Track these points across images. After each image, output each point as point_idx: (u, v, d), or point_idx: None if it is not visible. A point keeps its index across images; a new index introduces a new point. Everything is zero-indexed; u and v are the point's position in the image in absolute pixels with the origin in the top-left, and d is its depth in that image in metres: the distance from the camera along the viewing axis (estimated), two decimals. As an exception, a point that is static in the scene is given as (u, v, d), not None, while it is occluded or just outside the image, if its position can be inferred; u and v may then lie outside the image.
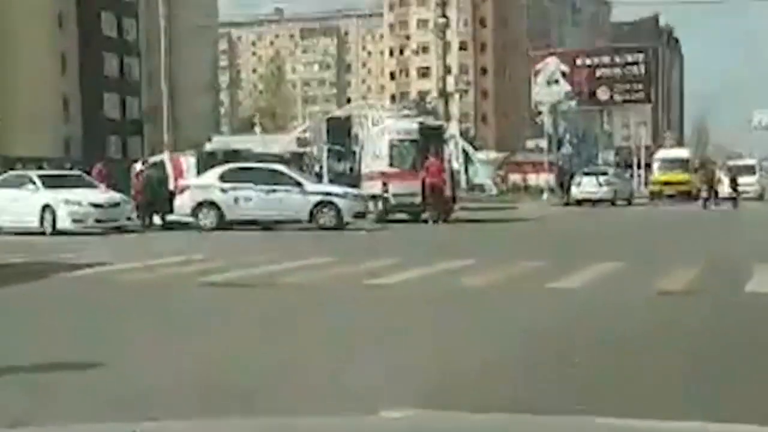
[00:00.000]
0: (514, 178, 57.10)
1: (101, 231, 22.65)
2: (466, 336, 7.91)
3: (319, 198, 23.54)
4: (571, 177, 42.66)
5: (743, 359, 6.82)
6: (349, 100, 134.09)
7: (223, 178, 23.94)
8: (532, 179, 52.79)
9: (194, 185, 24.34)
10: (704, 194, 37.97)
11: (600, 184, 41.09)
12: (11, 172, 26.46)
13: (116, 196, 23.88)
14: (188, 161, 26.71)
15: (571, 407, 5.38)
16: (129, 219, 23.53)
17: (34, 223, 22.54)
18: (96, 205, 22.88)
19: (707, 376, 6.27)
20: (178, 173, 25.86)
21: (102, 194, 23.81)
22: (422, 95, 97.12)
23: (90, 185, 24.68)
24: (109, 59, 75.60)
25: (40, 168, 31.78)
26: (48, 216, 22.43)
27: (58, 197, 22.66)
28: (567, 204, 40.42)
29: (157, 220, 25.15)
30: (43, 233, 22.07)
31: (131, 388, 6.03)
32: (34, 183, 23.55)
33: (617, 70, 59.72)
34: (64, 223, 22.37)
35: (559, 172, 43.91)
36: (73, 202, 22.62)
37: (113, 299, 10.85)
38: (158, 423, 2.36)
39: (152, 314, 9.62)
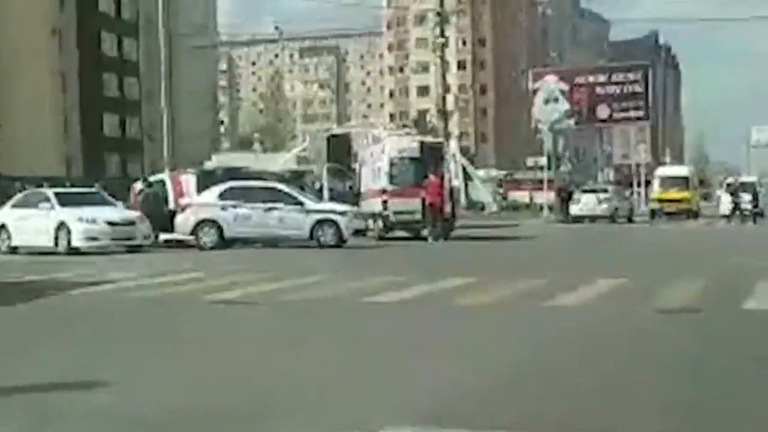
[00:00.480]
0: (514, 195, 57.17)
1: (116, 249, 22.38)
2: (463, 355, 7.90)
3: (319, 216, 23.58)
4: (570, 195, 42.74)
5: (742, 377, 6.81)
6: (348, 119, 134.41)
7: (223, 196, 23.98)
8: (532, 197, 52.84)
9: (195, 203, 24.36)
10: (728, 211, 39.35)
11: (600, 202, 41.15)
12: (28, 191, 26.05)
13: (132, 214, 23.45)
14: (188, 179, 26.72)
15: (565, 427, 5.38)
16: (146, 237, 23.07)
17: (48, 242, 22.29)
18: (111, 223, 22.48)
19: (705, 395, 6.26)
20: (179, 192, 25.89)
21: (118, 212, 23.45)
22: (422, 114, 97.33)
23: (107, 203, 24.34)
24: (110, 79, 75.87)
25: (39, 186, 31.70)
26: (63, 234, 22.11)
27: (73, 215, 22.35)
28: (566, 221, 40.47)
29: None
30: (56, 252, 21.83)
31: (133, 409, 6.02)
32: (50, 201, 23.16)
33: (616, 88, 59.76)
34: (78, 241, 22.06)
35: (558, 189, 43.96)
36: (88, 220, 22.28)
37: (117, 318, 10.84)
38: None
39: (155, 333, 9.61)
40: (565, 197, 42.59)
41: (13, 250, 23.35)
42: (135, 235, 22.75)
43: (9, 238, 23.45)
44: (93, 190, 27.48)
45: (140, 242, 22.78)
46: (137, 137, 78.30)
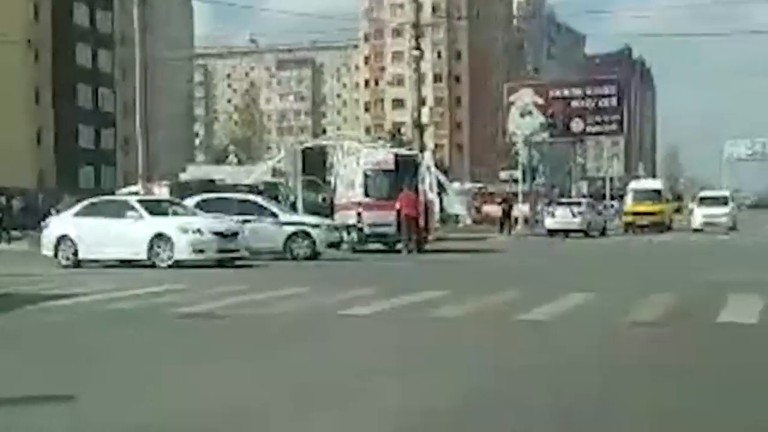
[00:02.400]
0: (488, 208, 57.24)
1: (218, 263, 20.94)
2: (437, 369, 7.88)
3: (293, 228, 23.54)
4: (511, 207, 43.10)
5: (724, 386, 6.84)
6: (324, 131, 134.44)
7: (197, 208, 23.87)
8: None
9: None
10: None
11: (573, 215, 41.29)
12: (95, 199, 23.82)
13: (234, 224, 21.96)
14: (162, 192, 26.63)
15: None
16: (247, 249, 21.92)
17: (138, 254, 20.72)
18: (218, 234, 21.13)
19: (680, 407, 6.28)
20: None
21: (220, 222, 21.84)
22: (397, 126, 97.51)
23: (189, 212, 22.77)
24: (84, 90, 75.59)
25: (11, 198, 31.44)
26: (162, 246, 20.57)
27: (173, 225, 20.98)
28: (507, 234, 40.72)
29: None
30: (152, 265, 20.35)
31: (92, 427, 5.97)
32: (136, 210, 21.49)
33: (591, 102, 60.08)
34: (183, 254, 20.48)
35: (501, 200, 44.18)
36: (194, 231, 20.89)
37: (86, 331, 10.75)
38: None
39: (123, 346, 9.53)
40: (506, 209, 42.65)
41: (78, 263, 21.49)
42: (239, 247, 21.66)
43: (74, 249, 21.65)
44: (171, 198, 25.62)
45: (243, 254, 21.62)
46: (111, 149, 78.00)
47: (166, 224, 21.04)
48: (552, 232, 40.82)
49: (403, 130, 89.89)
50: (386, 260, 24.59)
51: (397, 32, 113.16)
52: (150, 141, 44.49)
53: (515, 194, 46.08)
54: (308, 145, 40.26)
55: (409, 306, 12.23)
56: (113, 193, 31.90)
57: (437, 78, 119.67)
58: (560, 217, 41.59)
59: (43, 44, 70.84)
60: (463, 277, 18.60)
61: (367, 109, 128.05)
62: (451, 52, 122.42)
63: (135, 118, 42.66)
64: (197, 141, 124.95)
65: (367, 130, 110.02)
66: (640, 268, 21.42)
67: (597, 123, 60.40)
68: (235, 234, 21.51)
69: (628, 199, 48.27)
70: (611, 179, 67.54)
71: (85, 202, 23.16)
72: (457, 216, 43.73)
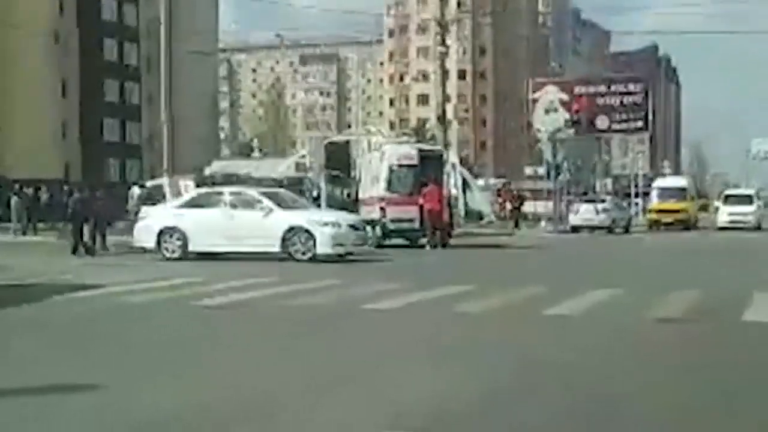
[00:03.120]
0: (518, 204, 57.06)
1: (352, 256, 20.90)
2: (462, 363, 7.89)
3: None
4: (522, 202, 42.76)
5: (739, 387, 6.82)
6: (348, 126, 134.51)
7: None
8: (531, 206, 52.79)
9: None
10: None
11: (598, 212, 41.15)
12: (201, 190, 23.49)
13: (359, 217, 22.16)
14: (187, 185, 26.70)
15: None
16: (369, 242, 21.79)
17: (274, 247, 20.39)
18: (353, 227, 21.36)
19: (702, 405, 6.27)
20: (177, 197, 25.83)
21: (349, 215, 21.99)
22: (421, 122, 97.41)
23: (306, 205, 22.85)
24: (110, 84, 75.94)
25: (38, 190, 31.58)
26: (299, 239, 20.35)
27: (309, 218, 20.88)
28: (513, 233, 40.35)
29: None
30: (286, 258, 20.11)
31: (120, 412, 6.03)
32: (262, 202, 21.15)
33: (616, 99, 59.74)
34: (325, 247, 20.32)
35: (511, 197, 43.84)
36: (334, 224, 20.81)
37: (108, 322, 10.84)
38: None
39: (145, 338, 9.61)
40: (517, 206, 42.25)
41: (185, 255, 21.01)
42: (368, 240, 21.75)
43: (182, 242, 21.19)
44: (281, 190, 24.67)
45: (370, 247, 21.75)
46: (137, 142, 78.35)
47: (302, 217, 20.91)
48: (576, 229, 40.72)
49: (427, 126, 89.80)
50: (410, 255, 24.59)
51: (422, 28, 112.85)
52: (175, 135, 44.75)
53: (533, 191, 45.95)
54: (332, 139, 40.27)
55: (432, 301, 12.25)
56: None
57: (462, 74, 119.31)
58: (584, 213, 41.47)
59: (69, 37, 71.22)
60: (487, 273, 18.60)
61: (391, 105, 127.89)
62: (476, 49, 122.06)
63: (160, 112, 42.93)
64: (222, 135, 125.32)
65: (392, 126, 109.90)
66: (664, 265, 21.35)
67: (622, 120, 60.07)
68: (364, 227, 21.80)
69: (653, 196, 48.05)
70: (636, 176, 67.15)
71: (194, 193, 22.87)
72: (480, 212, 43.58)
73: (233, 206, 21.37)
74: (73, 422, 5.76)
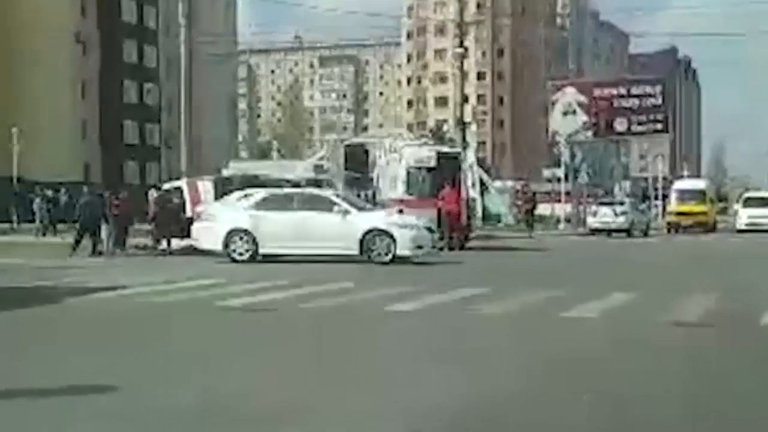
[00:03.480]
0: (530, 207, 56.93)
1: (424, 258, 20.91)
2: (481, 365, 7.92)
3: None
4: (535, 205, 42.12)
5: (754, 392, 6.82)
6: (366, 129, 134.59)
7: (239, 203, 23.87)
8: (548, 209, 52.70)
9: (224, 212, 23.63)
10: None
11: (616, 215, 41.02)
12: (274, 191, 23.13)
13: (426, 220, 22.71)
14: (206, 186, 26.74)
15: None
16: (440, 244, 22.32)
17: (352, 249, 20.42)
18: (428, 229, 21.83)
19: (719, 409, 6.27)
20: (196, 199, 25.91)
21: (419, 218, 22.15)
22: (439, 124, 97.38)
23: (368, 207, 22.87)
24: (129, 86, 76.26)
25: (57, 192, 31.69)
26: (382, 241, 20.42)
27: (390, 221, 20.99)
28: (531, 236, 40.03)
29: (174, 244, 25.30)
30: (365, 260, 20.16)
31: (141, 413, 6.08)
32: (338, 204, 21.10)
33: (635, 101, 59.53)
34: (406, 249, 20.40)
35: (525, 200, 43.23)
36: (412, 226, 21.06)
37: (129, 323, 10.91)
38: None
39: (170, 338, 9.67)
40: (530, 209, 41.40)
41: (254, 257, 20.84)
42: (435, 243, 22.37)
43: (252, 244, 20.96)
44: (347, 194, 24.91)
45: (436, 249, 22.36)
46: (156, 144, 78.65)
47: (381, 219, 21.00)
48: (594, 232, 40.61)
49: (445, 128, 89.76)
50: (428, 257, 24.58)
51: (440, 30, 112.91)
52: (193, 136, 44.88)
53: (550, 193, 45.76)
54: (351, 142, 40.31)
55: (450, 303, 12.27)
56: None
57: (480, 76, 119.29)
58: (603, 216, 41.35)
59: (90, 39, 71.60)
60: (504, 275, 18.59)
61: (409, 107, 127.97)
62: (495, 50, 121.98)
63: (179, 114, 43.08)
64: (240, 137, 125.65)
65: (410, 128, 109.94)
66: (682, 268, 21.27)
67: (641, 122, 59.89)
68: (433, 229, 22.22)
69: (672, 199, 47.91)
70: (655, 179, 66.94)
71: (265, 194, 22.36)
72: (498, 214, 43.50)
73: (308, 208, 21.16)
74: (91, 423, 5.81)
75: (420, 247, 20.71)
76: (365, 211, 21.46)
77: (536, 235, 38.24)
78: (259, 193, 22.41)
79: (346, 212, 20.75)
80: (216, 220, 21.68)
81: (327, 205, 21.01)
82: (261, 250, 20.85)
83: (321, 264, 20.09)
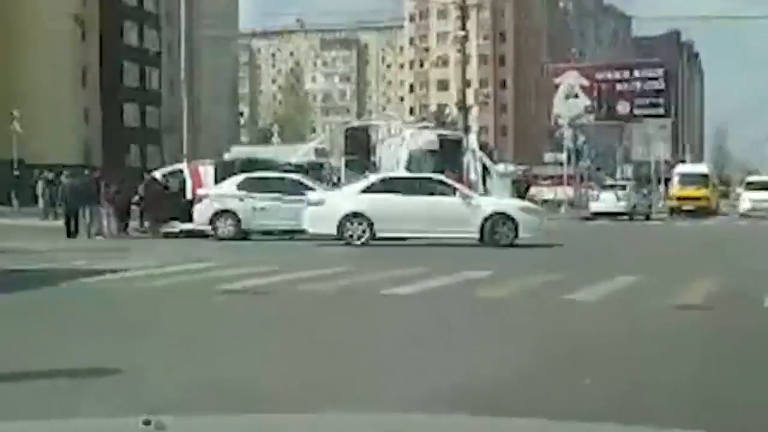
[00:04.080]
0: (534, 191, 56.92)
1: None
2: (483, 346, 7.89)
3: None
4: (528, 188, 41.91)
5: (759, 374, 6.78)
6: (368, 112, 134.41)
7: (241, 187, 23.99)
8: (550, 192, 52.64)
9: (213, 194, 24.35)
10: None
11: (618, 199, 40.94)
12: (387, 174, 23.80)
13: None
14: (207, 170, 26.73)
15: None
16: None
17: (472, 233, 20.58)
18: (542, 213, 23.29)
19: (722, 391, 6.23)
20: (197, 182, 25.91)
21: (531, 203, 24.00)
22: (441, 108, 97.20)
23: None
24: (130, 69, 76.06)
25: (58, 175, 31.64)
26: (505, 225, 20.62)
27: (512, 204, 21.85)
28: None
29: (173, 227, 25.30)
30: (485, 244, 20.27)
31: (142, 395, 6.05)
32: (454, 188, 21.61)
33: (637, 85, 59.55)
34: (526, 233, 20.66)
35: (516, 181, 42.80)
36: (530, 210, 22.05)
37: (130, 305, 10.89)
38: (169, 417, 2.35)
39: (170, 321, 9.65)
40: (522, 190, 40.91)
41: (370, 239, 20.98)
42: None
43: (368, 227, 20.97)
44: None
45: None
46: (157, 127, 78.57)
47: (504, 204, 21.81)
48: (596, 215, 40.54)
49: (447, 111, 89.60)
50: (428, 240, 24.54)
51: (442, 13, 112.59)
52: (195, 120, 44.87)
53: (551, 176, 45.65)
54: (352, 125, 40.25)
55: (453, 285, 12.24)
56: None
57: (482, 59, 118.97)
58: (604, 200, 41.28)
59: (90, 22, 71.38)
60: (506, 258, 18.53)
61: (411, 90, 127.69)
62: (497, 34, 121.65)
63: (180, 97, 43.05)
64: (242, 120, 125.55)
65: (412, 111, 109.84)
66: (685, 252, 21.23)
67: (643, 106, 59.86)
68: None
69: (674, 183, 47.80)
70: (657, 163, 66.87)
71: (379, 177, 22.83)
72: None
73: (427, 192, 21.34)
74: (97, 405, 5.78)
75: (539, 230, 21.12)
76: (483, 196, 22.42)
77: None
78: (371, 178, 22.73)
79: (468, 197, 21.27)
80: (331, 203, 21.59)
81: (446, 190, 21.38)
82: (377, 233, 20.88)
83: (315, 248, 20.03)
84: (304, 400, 5.90)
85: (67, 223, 24.74)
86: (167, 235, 24.90)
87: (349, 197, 21.58)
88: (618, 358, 7.41)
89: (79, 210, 24.77)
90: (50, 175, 37.92)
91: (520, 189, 40.57)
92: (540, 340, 8.19)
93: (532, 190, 48.56)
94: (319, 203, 21.80)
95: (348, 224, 20.92)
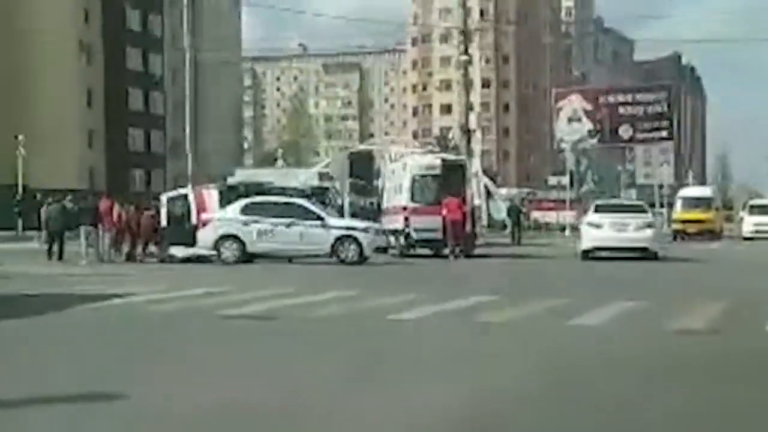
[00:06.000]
0: (536, 215, 57.01)
1: None
2: (486, 373, 7.91)
3: (340, 232, 23.63)
4: (519, 214, 40.84)
5: (761, 399, 6.81)
6: (371, 136, 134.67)
7: (245, 211, 24.09)
8: (554, 216, 52.67)
9: (217, 219, 24.45)
10: None
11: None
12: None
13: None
14: (211, 194, 26.81)
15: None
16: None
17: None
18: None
19: (724, 417, 6.26)
20: (201, 206, 25.99)
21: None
22: (444, 131, 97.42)
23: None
24: (135, 93, 76.37)
25: (62, 199, 31.72)
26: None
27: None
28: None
29: (177, 252, 25.36)
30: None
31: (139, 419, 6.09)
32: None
33: (640, 108, 59.68)
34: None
35: (509, 209, 42.09)
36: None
37: (136, 330, 10.93)
38: None
39: (170, 348, 9.68)
40: (515, 218, 40.09)
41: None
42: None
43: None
44: None
45: None
46: (161, 152, 78.76)
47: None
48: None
49: (450, 135, 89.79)
50: (433, 265, 24.60)
51: (445, 37, 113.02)
52: (199, 144, 44.99)
53: (553, 201, 45.52)
54: (356, 149, 40.37)
55: (457, 310, 12.27)
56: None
57: (485, 83, 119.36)
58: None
59: (94, 47, 71.72)
60: (510, 283, 18.58)
61: (414, 114, 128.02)
62: (499, 57, 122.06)
63: (184, 122, 43.17)
64: (246, 144, 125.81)
65: (415, 135, 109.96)
66: (688, 276, 21.24)
67: (646, 129, 59.97)
68: None
69: (678, 206, 47.81)
70: (661, 186, 66.90)
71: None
72: (504, 222, 43.52)
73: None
74: (103, 427, 5.82)
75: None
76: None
77: (514, 247, 36.68)
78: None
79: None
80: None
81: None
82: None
83: (307, 271, 20.00)
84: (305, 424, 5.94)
85: (50, 247, 25.63)
86: (172, 260, 25.01)
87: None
88: (619, 382, 7.43)
89: (64, 234, 25.66)
90: (65, 200, 38.08)
91: (511, 213, 39.83)
92: (540, 366, 8.19)
93: (535, 214, 48.73)
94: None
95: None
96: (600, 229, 25.66)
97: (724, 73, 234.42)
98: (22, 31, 63.47)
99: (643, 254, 25.30)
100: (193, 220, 25.63)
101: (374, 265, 22.96)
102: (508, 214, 40.10)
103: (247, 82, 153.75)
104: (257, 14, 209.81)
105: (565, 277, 20.91)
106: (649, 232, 25.91)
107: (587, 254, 25.65)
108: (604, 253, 25.40)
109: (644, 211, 27.52)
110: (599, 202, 29.69)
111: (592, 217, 26.41)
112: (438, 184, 27.77)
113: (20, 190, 50.65)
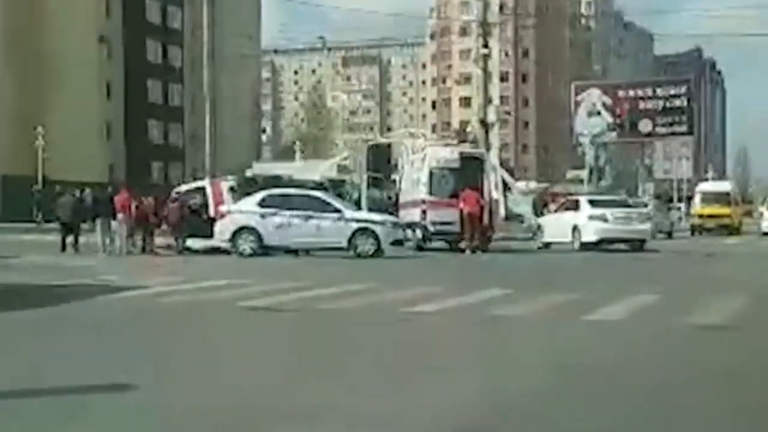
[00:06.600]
0: (554, 208, 56.69)
1: None
2: (502, 367, 7.89)
3: (357, 225, 23.62)
4: (545, 206, 41.12)
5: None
6: (390, 129, 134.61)
7: (262, 204, 24.10)
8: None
9: (234, 211, 24.48)
10: None
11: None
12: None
13: None
14: (228, 187, 26.87)
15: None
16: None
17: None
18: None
19: (743, 414, 6.21)
20: (219, 199, 26.05)
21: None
22: (463, 125, 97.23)
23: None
24: (154, 86, 76.59)
25: (82, 191, 31.81)
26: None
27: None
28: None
29: (194, 244, 25.43)
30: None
31: (161, 411, 6.09)
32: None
33: (659, 103, 59.38)
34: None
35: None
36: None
37: (153, 322, 10.95)
38: None
39: (188, 338, 9.70)
40: (539, 210, 40.29)
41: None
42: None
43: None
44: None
45: None
46: (179, 144, 78.96)
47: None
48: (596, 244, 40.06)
49: (469, 128, 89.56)
50: (450, 258, 24.58)
51: (464, 30, 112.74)
52: (217, 137, 45.05)
53: (571, 194, 45.27)
54: (375, 142, 40.36)
55: (473, 304, 12.23)
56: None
57: (504, 77, 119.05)
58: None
59: (114, 39, 71.93)
60: (526, 277, 18.53)
61: (433, 107, 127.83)
62: (518, 51, 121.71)
63: (203, 114, 43.24)
64: (264, 137, 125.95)
65: (434, 128, 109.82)
66: (706, 271, 21.13)
67: (666, 124, 59.68)
68: None
69: (696, 201, 47.55)
70: (680, 181, 66.73)
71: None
72: (521, 216, 43.41)
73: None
74: (111, 421, 5.83)
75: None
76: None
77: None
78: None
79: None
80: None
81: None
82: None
83: (325, 264, 20.00)
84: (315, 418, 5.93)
85: (63, 239, 25.69)
86: (189, 252, 25.08)
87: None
88: (636, 376, 7.39)
89: (79, 225, 25.89)
90: (76, 192, 38.25)
91: (536, 207, 40.17)
92: (556, 360, 8.15)
93: (552, 207, 48.19)
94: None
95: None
96: (607, 222, 28.38)
97: (745, 68, 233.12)
98: (42, 24, 63.64)
99: (640, 244, 28.57)
100: (211, 212, 25.71)
101: (391, 258, 22.95)
102: (534, 209, 40.15)
103: (266, 74, 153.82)
104: (277, 7, 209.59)
105: (582, 270, 20.85)
106: (648, 224, 29.91)
107: (585, 246, 28.09)
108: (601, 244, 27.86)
109: (630, 206, 31.54)
110: (591, 197, 32.49)
111: (594, 210, 28.84)
112: (456, 177, 27.68)
113: (40, 182, 50.94)
